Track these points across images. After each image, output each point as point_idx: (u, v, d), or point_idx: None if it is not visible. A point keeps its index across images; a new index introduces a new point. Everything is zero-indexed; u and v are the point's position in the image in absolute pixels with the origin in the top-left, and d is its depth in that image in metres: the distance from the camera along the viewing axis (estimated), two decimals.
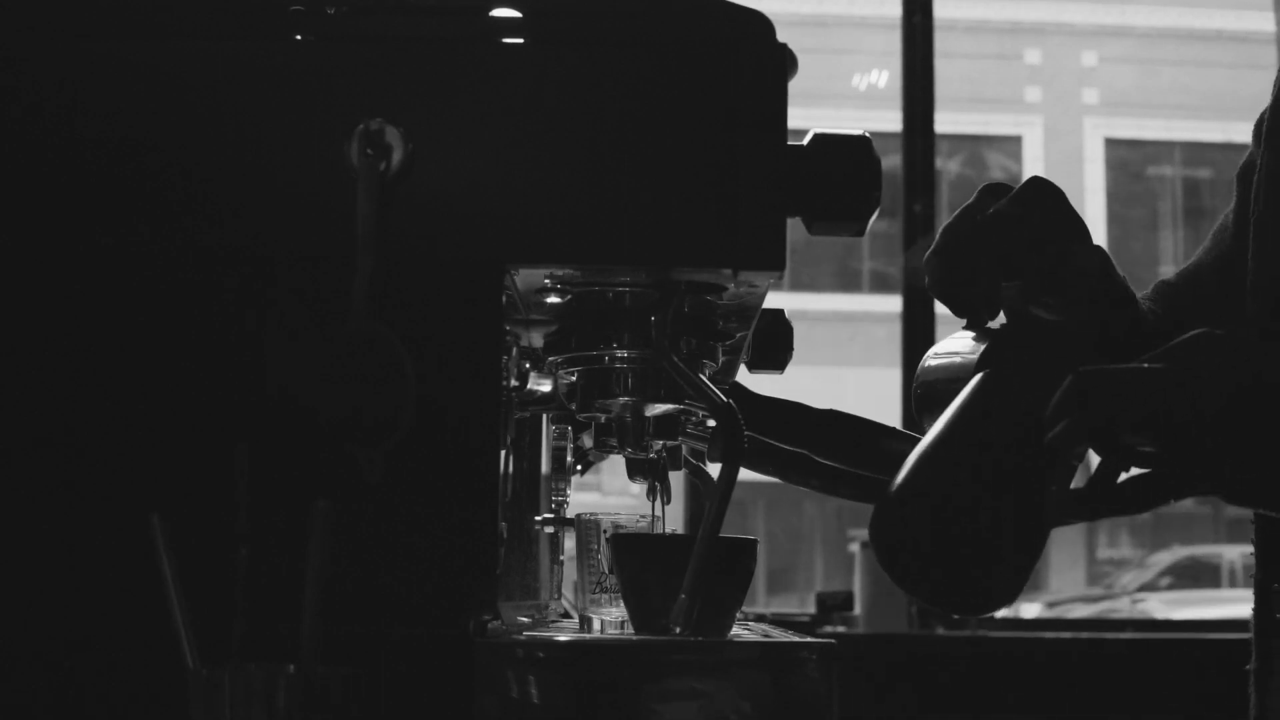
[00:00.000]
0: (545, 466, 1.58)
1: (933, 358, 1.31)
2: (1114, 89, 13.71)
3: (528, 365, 1.37)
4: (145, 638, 1.10)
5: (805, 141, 1.20)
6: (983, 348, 1.24)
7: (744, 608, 1.33)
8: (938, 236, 1.29)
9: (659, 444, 1.38)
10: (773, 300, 1.36)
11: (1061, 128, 13.68)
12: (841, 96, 12.73)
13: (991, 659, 3.93)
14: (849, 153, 1.20)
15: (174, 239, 1.17)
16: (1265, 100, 1.47)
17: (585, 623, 1.42)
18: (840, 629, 4.22)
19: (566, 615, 1.69)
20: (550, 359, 1.32)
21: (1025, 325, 1.28)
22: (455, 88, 1.17)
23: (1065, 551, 13.32)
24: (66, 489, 1.16)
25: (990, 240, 1.26)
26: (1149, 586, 13.16)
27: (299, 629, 0.98)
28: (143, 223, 1.17)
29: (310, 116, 1.16)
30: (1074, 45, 13.74)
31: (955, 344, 1.29)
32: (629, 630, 1.30)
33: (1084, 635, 4.39)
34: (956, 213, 1.30)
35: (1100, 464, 1.14)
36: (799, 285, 12.72)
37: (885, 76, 12.83)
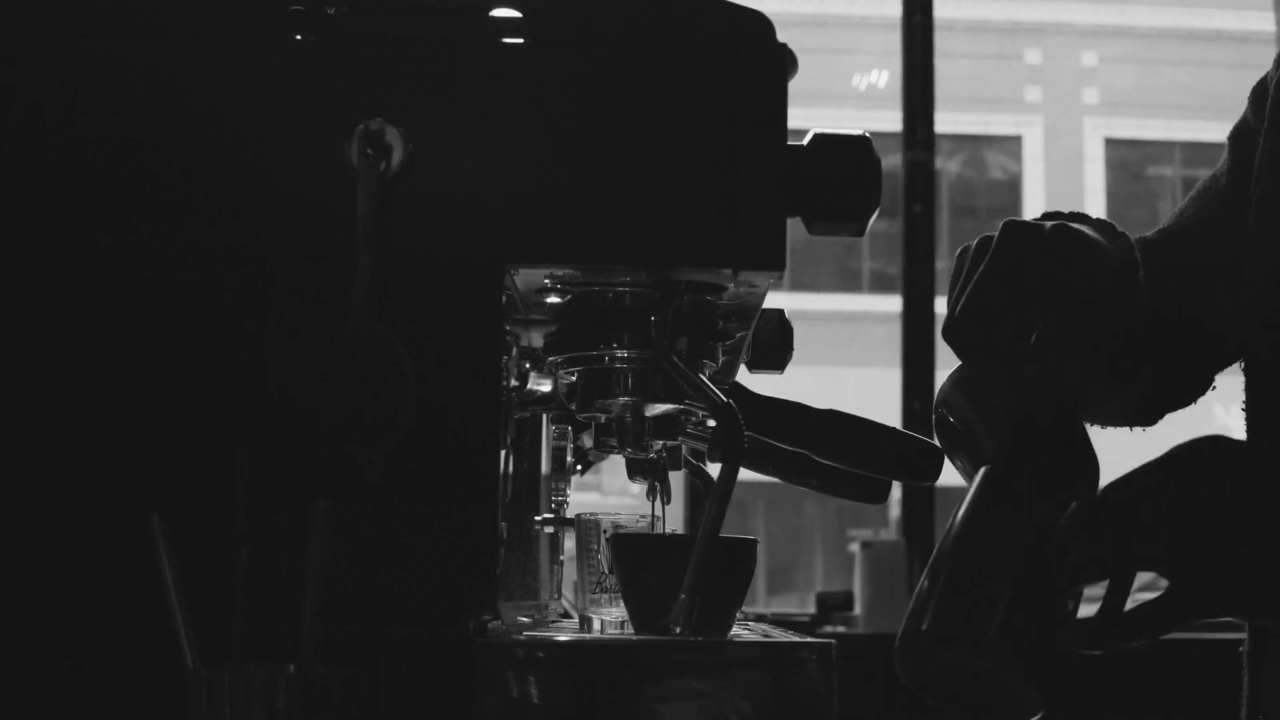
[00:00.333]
0: (545, 466, 1.58)
1: (954, 387, 1.28)
2: (1114, 89, 13.71)
3: (528, 365, 1.37)
4: (145, 638, 1.10)
5: (805, 141, 1.20)
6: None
7: (744, 608, 1.33)
8: (962, 301, 1.25)
9: (659, 444, 1.38)
10: (773, 300, 1.36)
11: (1061, 128, 13.68)
12: (841, 96, 12.73)
13: None
14: (849, 153, 1.20)
15: (174, 239, 1.17)
16: None
17: (585, 623, 1.42)
18: (840, 629, 4.22)
19: (566, 615, 1.69)
20: (550, 359, 1.32)
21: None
22: (455, 88, 1.17)
23: None
24: (66, 489, 1.16)
25: (1019, 288, 1.22)
26: (1148, 586, 13.17)
27: (299, 629, 0.98)
28: (143, 223, 1.17)
29: (310, 116, 1.16)
30: (1074, 45, 13.74)
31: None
32: (629, 630, 1.30)
33: None
34: (973, 276, 1.25)
35: (1109, 588, 1.15)
36: (799, 285, 12.72)
37: (885, 76, 12.83)
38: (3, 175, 1.17)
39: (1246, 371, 1.43)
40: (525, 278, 1.21)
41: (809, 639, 1.19)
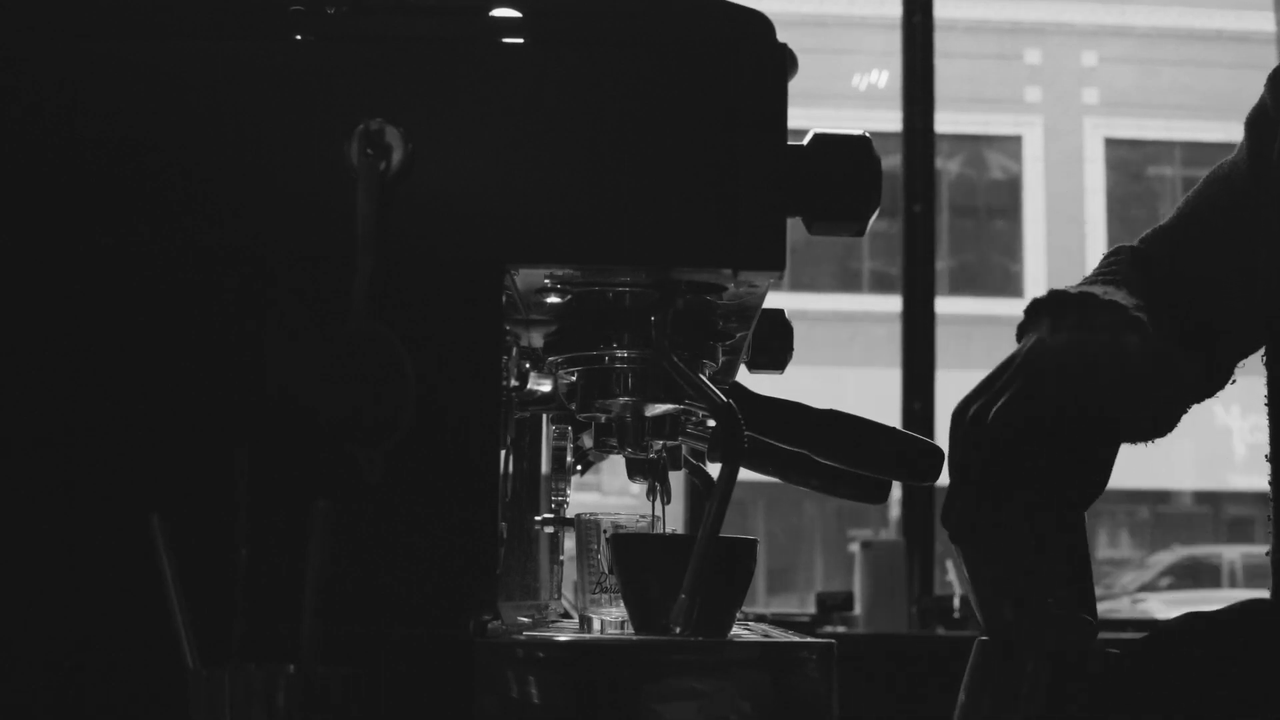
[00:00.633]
0: (545, 466, 1.58)
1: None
2: (1114, 89, 13.71)
3: (528, 365, 1.37)
4: (145, 638, 1.10)
5: (805, 141, 1.20)
6: None
7: (744, 608, 1.33)
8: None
9: (659, 444, 1.38)
10: (773, 300, 1.36)
11: (1061, 128, 13.68)
12: (841, 96, 12.73)
13: None
14: (849, 153, 1.20)
15: (174, 239, 1.17)
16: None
17: (585, 623, 1.42)
18: (840, 629, 4.22)
19: (566, 615, 1.69)
20: (550, 359, 1.32)
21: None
22: (455, 88, 1.17)
23: None
24: (66, 489, 1.16)
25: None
26: (1149, 587, 13.17)
27: (299, 629, 0.98)
28: (143, 223, 1.17)
29: (310, 116, 1.16)
30: (1074, 45, 13.74)
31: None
32: (629, 630, 1.30)
33: None
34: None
35: None
36: (799, 285, 12.72)
37: (885, 76, 12.83)
38: (3, 175, 1.17)
39: (1269, 367, 1.42)
40: (525, 278, 1.21)
41: (809, 639, 1.19)
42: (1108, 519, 13.84)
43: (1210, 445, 13.16)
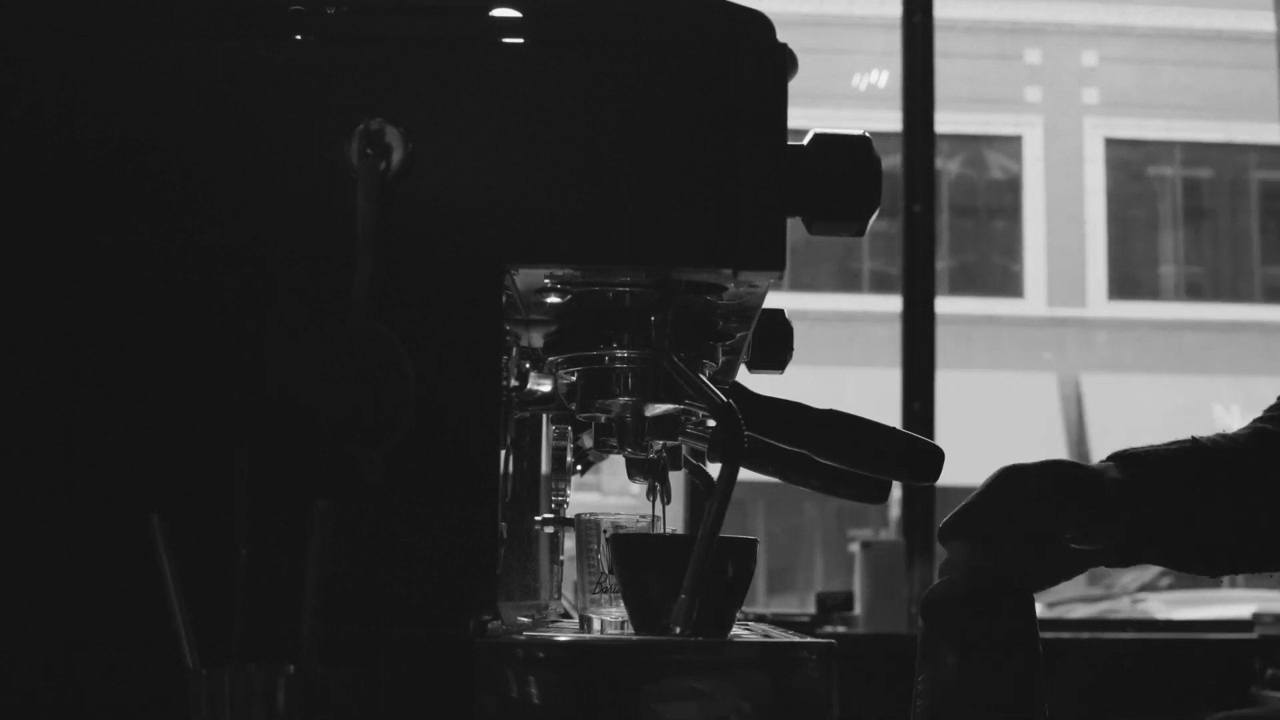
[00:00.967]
0: (545, 466, 1.58)
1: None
2: (1114, 89, 13.70)
3: (528, 365, 1.37)
4: (145, 638, 1.10)
5: (805, 141, 1.20)
6: None
7: (744, 608, 1.33)
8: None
9: (659, 444, 1.38)
10: (773, 300, 1.36)
11: (1061, 128, 13.68)
12: (841, 96, 12.72)
13: None
14: (849, 153, 1.20)
15: (174, 239, 1.17)
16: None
17: (585, 623, 1.42)
18: (840, 629, 4.22)
19: (566, 615, 1.69)
20: (550, 359, 1.32)
21: None
22: (455, 88, 1.17)
23: None
24: (66, 489, 1.16)
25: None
26: (1149, 586, 13.16)
27: (299, 629, 0.98)
28: (143, 223, 1.17)
29: (310, 116, 1.16)
30: (1074, 45, 13.74)
31: None
32: (629, 630, 1.30)
33: (1084, 635, 4.39)
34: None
35: None
36: (799, 285, 12.72)
37: (885, 76, 12.82)
38: (3, 175, 1.17)
39: None
40: (525, 278, 1.21)
41: (809, 639, 1.19)
42: None
43: None
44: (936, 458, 1.40)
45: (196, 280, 1.17)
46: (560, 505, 1.66)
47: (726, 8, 1.18)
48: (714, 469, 1.35)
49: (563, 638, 1.18)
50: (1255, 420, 1.46)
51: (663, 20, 1.18)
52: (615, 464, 1.63)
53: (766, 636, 1.27)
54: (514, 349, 1.32)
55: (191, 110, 1.17)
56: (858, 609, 4.29)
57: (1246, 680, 3.61)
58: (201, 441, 1.15)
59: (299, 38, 1.18)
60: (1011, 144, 13.77)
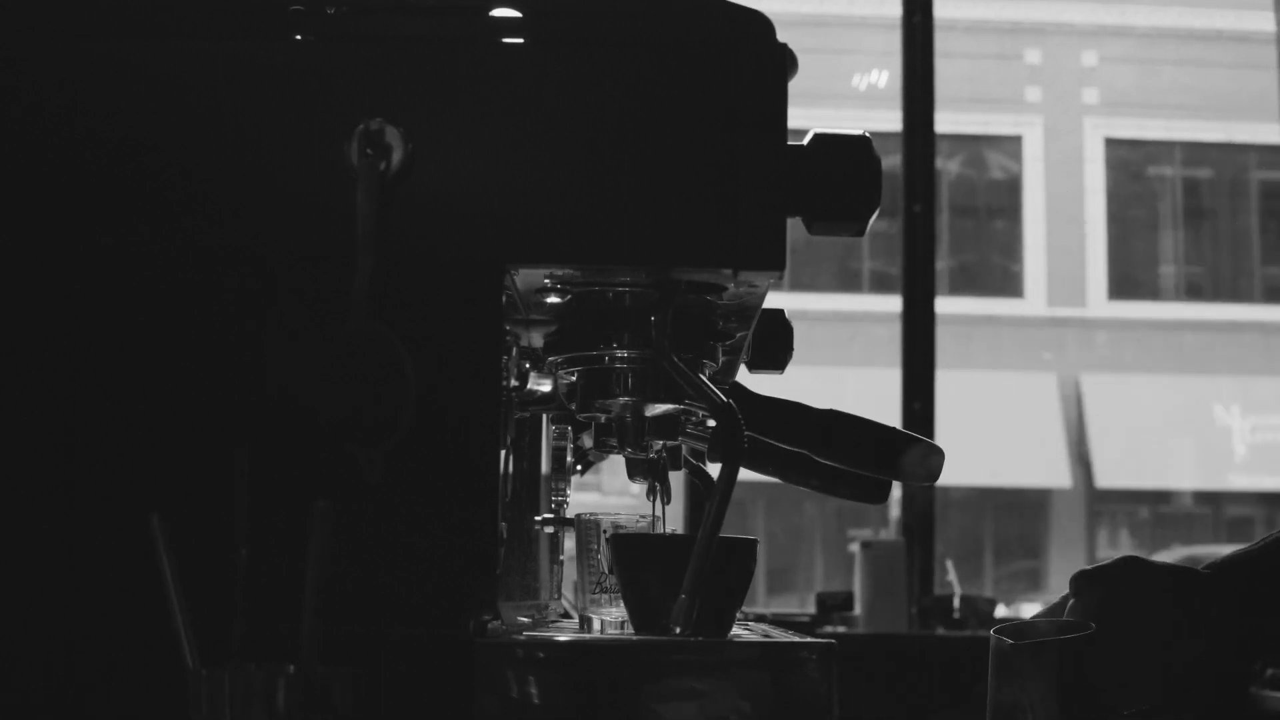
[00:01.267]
0: (545, 466, 1.58)
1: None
2: (1114, 89, 13.70)
3: (528, 365, 1.37)
4: (145, 638, 1.10)
5: (805, 141, 1.20)
6: None
7: (744, 608, 1.33)
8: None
9: (659, 444, 1.38)
10: (773, 300, 1.36)
11: (1061, 128, 13.68)
12: (841, 96, 12.73)
13: None
14: (849, 153, 1.20)
15: (174, 239, 1.17)
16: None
17: (585, 623, 1.42)
18: (840, 629, 4.23)
19: (566, 615, 1.69)
20: (550, 359, 1.32)
21: None
22: (455, 88, 1.17)
23: (1066, 552, 13.34)
24: (66, 489, 1.16)
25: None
26: None
27: (299, 629, 0.98)
28: (143, 223, 1.17)
29: (310, 116, 1.16)
30: (1074, 45, 13.74)
31: None
32: (629, 630, 1.30)
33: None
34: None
35: None
36: (799, 285, 12.72)
37: (885, 76, 12.82)
38: (3, 175, 1.17)
39: None
40: (525, 278, 1.21)
41: (809, 639, 1.19)
42: (1108, 519, 13.84)
43: (1210, 445, 13.17)
44: (937, 458, 1.40)
45: (196, 280, 1.17)
46: (560, 505, 1.66)
47: (726, 8, 1.18)
48: (714, 469, 1.35)
49: (563, 638, 1.18)
50: None
51: (662, 20, 1.18)
52: (615, 464, 1.63)
53: (766, 636, 1.27)
54: (514, 349, 1.32)
55: (191, 110, 1.17)
56: (858, 609, 4.29)
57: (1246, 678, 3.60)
58: (202, 441, 1.15)
59: (299, 38, 1.18)
60: (1011, 144, 13.78)
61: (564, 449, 1.69)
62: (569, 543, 1.56)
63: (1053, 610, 1.40)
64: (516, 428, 1.35)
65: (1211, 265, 13.90)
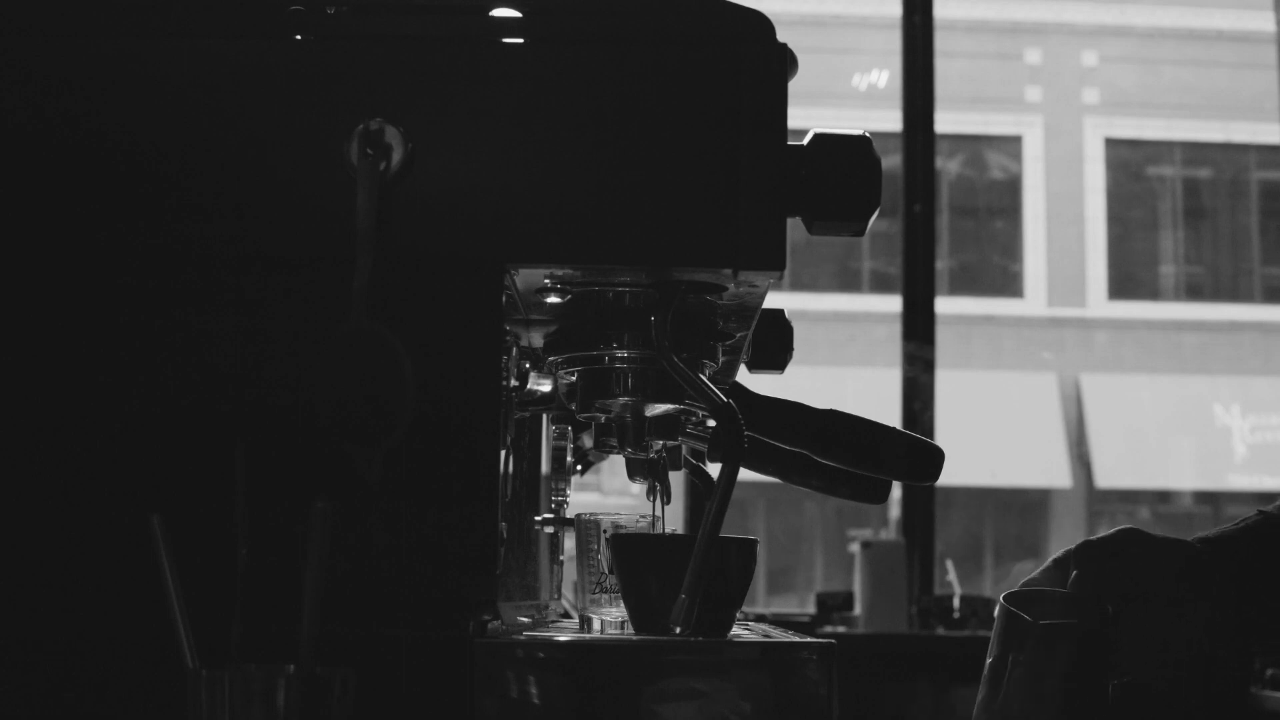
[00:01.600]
0: (545, 466, 1.58)
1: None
2: (1114, 89, 13.70)
3: (528, 365, 1.37)
4: (145, 638, 1.10)
5: (805, 141, 1.20)
6: None
7: (744, 608, 1.33)
8: None
9: (659, 444, 1.38)
10: (773, 300, 1.36)
11: (1061, 128, 13.68)
12: (841, 96, 12.72)
13: None
14: (849, 153, 1.20)
15: (174, 238, 1.17)
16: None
17: (585, 623, 1.42)
18: (840, 629, 4.23)
19: (566, 615, 1.69)
20: (550, 359, 1.32)
21: None
22: (455, 88, 1.17)
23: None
24: (66, 489, 1.16)
25: None
26: None
27: (298, 629, 0.98)
28: (142, 222, 1.17)
29: (310, 116, 1.16)
30: (1074, 45, 13.73)
31: None
32: (629, 630, 1.30)
33: None
34: None
35: None
36: (799, 285, 12.72)
37: (885, 76, 12.82)
38: (3, 175, 1.17)
39: None
40: (525, 278, 1.21)
41: (809, 639, 1.19)
42: (1108, 519, 13.84)
43: (1210, 445, 13.16)
44: (936, 457, 1.40)
45: (196, 280, 1.17)
46: (560, 505, 1.66)
47: (726, 7, 1.18)
48: (714, 469, 1.35)
49: (563, 638, 1.18)
50: None
51: (662, 20, 1.18)
52: (615, 464, 1.63)
53: (766, 636, 1.27)
54: (514, 349, 1.32)
55: (191, 110, 1.17)
56: (858, 609, 4.29)
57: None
58: (201, 442, 1.15)
59: (299, 38, 1.18)
60: (1011, 144, 13.77)
61: (564, 449, 1.69)
62: (569, 543, 1.56)
63: (1049, 575, 1.39)
64: (516, 428, 1.35)
65: (1211, 265, 13.90)
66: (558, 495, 1.68)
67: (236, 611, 1.05)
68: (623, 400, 1.30)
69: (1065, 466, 13.10)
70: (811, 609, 4.47)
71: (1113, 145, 13.75)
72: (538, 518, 1.54)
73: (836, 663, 1.14)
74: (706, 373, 1.30)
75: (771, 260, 1.16)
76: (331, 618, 1.00)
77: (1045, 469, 13.14)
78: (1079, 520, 13.51)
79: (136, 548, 1.04)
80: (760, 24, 1.18)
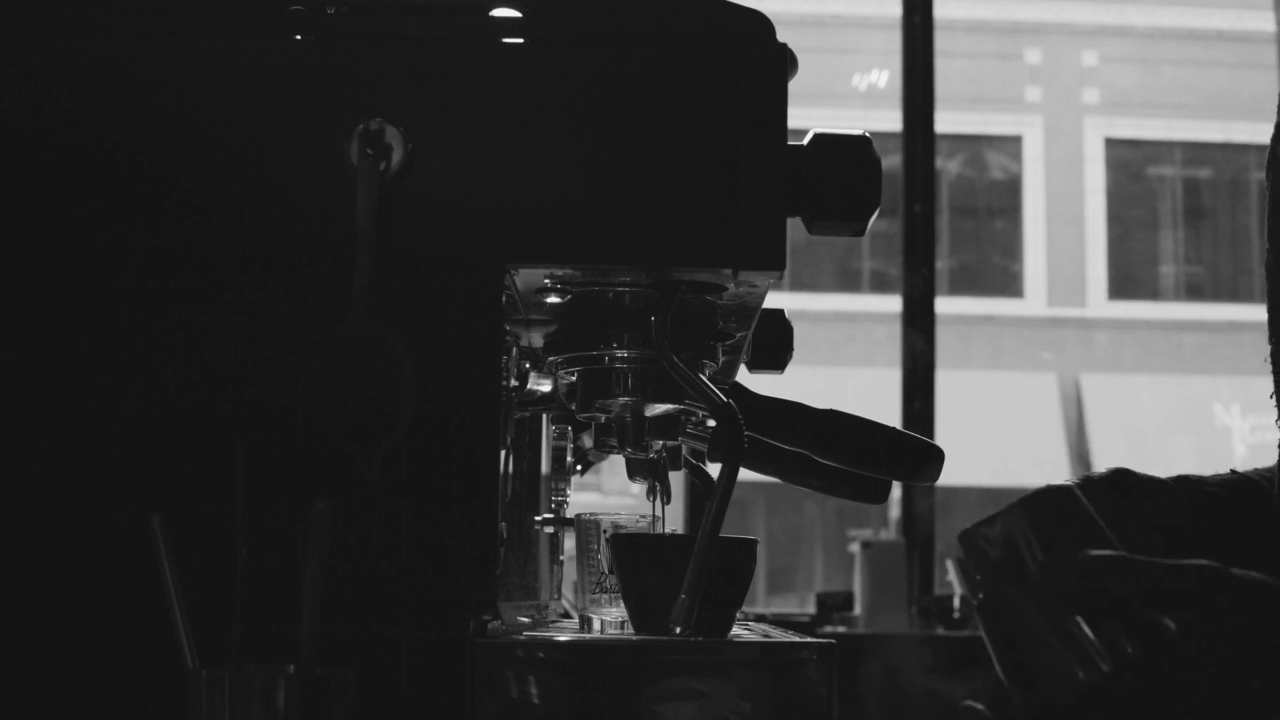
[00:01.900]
0: (545, 466, 1.58)
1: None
2: (1114, 89, 13.70)
3: (528, 365, 1.37)
4: (145, 638, 1.10)
5: (805, 141, 1.20)
6: None
7: (744, 608, 1.33)
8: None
9: (659, 444, 1.38)
10: (773, 300, 1.36)
11: (1061, 128, 13.68)
12: (841, 96, 12.73)
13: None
14: (849, 153, 1.20)
15: (174, 239, 1.17)
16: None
17: (585, 623, 1.42)
18: (840, 629, 4.23)
19: (566, 615, 1.69)
20: (550, 359, 1.32)
21: None
22: (455, 88, 1.17)
23: None
24: (67, 489, 1.16)
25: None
26: None
27: (298, 629, 0.98)
28: (142, 222, 1.17)
29: (310, 116, 1.16)
30: (1074, 45, 13.74)
31: None
32: (629, 630, 1.30)
33: None
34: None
35: None
36: (799, 285, 12.72)
37: (885, 76, 12.82)
38: (3, 175, 1.17)
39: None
40: (525, 278, 1.21)
41: (809, 639, 1.19)
42: None
43: (1210, 445, 13.17)
44: (937, 458, 1.40)
45: (196, 279, 1.17)
46: (560, 505, 1.66)
47: (726, 7, 1.18)
48: (714, 469, 1.35)
49: (563, 638, 1.18)
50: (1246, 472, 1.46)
51: (662, 20, 1.18)
52: (615, 464, 1.63)
53: (766, 636, 1.27)
54: (514, 349, 1.32)
55: (191, 110, 1.17)
56: (858, 609, 4.30)
57: None
58: (201, 441, 1.15)
59: (299, 38, 1.18)
60: (1011, 144, 13.78)
61: (564, 449, 1.69)
62: (569, 543, 1.56)
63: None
64: (516, 428, 1.35)
65: (1211, 265, 13.90)
66: (558, 495, 1.68)
67: (236, 611, 1.05)
68: (623, 400, 1.30)
69: (1065, 466, 13.10)
70: (811, 609, 4.47)
71: (1113, 145, 13.76)
72: (538, 518, 1.54)
73: (836, 663, 1.15)
74: (706, 373, 1.30)
75: (771, 260, 1.16)
76: (331, 618, 1.00)
77: (1045, 469, 13.15)
78: None
79: (136, 548, 1.04)
80: (760, 24, 1.18)
